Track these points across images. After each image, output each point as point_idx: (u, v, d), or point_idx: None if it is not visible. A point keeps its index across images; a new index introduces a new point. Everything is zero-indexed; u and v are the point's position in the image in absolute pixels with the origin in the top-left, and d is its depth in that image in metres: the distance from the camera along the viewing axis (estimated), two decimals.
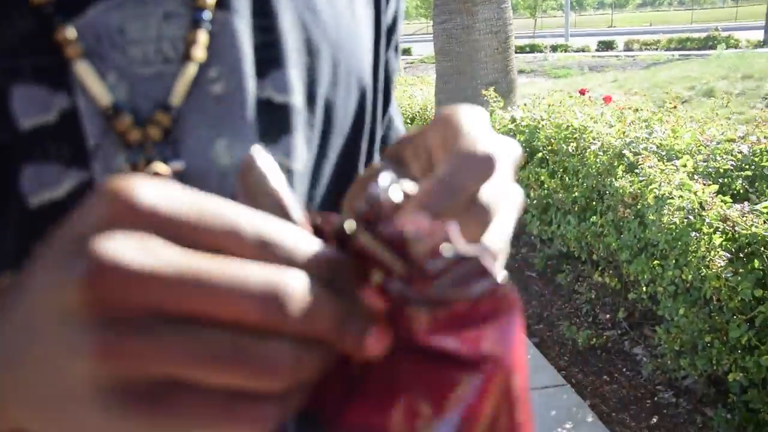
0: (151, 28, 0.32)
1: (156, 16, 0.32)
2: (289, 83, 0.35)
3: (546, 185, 3.12)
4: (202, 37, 0.32)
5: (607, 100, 3.33)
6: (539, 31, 34.09)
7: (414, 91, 7.11)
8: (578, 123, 2.98)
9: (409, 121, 6.97)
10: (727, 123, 2.96)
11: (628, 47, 22.74)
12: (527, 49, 23.33)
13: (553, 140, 3.12)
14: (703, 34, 21.39)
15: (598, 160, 2.63)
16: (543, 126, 3.30)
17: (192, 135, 0.33)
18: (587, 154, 2.71)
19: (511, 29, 5.22)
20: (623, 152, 2.53)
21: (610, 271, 2.66)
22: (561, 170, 3.04)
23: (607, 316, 2.74)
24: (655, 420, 2.16)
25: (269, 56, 0.35)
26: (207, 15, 0.32)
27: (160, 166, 0.32)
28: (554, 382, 2.34)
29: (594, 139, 2.77)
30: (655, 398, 2.26)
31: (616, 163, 2.54)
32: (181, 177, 0.32)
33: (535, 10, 27.32)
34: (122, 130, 0.31)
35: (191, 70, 0.32)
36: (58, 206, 0.31)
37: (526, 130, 3.42)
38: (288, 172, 0.36)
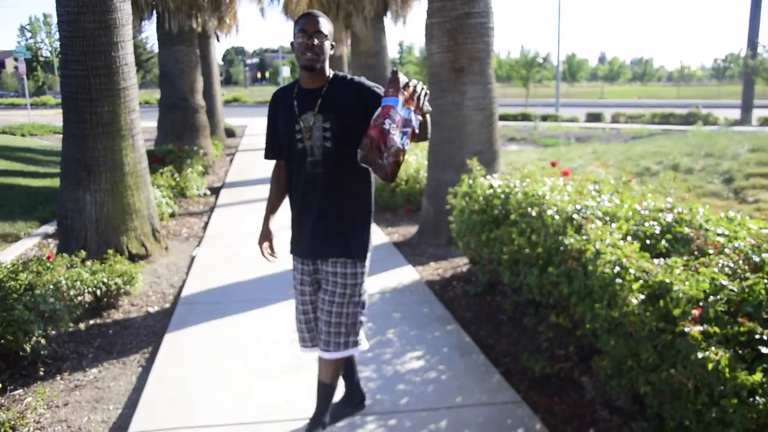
0: (309, 120, 2.33)
1: (309, 120, 2.34)
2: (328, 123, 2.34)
3: (516, 242, 3.72)
4: (312, 119, 2.34)
5: (565, 173, 3.98)
6: (532, 99, 35.63)
7: (409, 157, 7.81)
8: (541, 191, 3.62)
9: (403, 182, 7.65)
10: (661, 196, 3.60)
11: (615, 119, 23.94)
12: (519, 117, 24.42)
13: (522, 205, 3.75)
14: (686, 110, 22.61)
15: (554, 222, 3.25)
16: (515, 193, 3.94)
17: (312, 132, 2.33)
18: (545, 217, 3.33)
19: (495, 106, 5.96)
20: (572, 216, 3.16)
21: (563, 313, 3.23)
22: (528, 230, 3.65)
23: (562, 351, 3.29)
24: (592, 431, 2.69)
25: (324, 118, 2.33)
26: (313, 118, 2.34)
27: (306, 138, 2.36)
28: (513, 400, 2.87)
29: (552, 205, 3.40)
30: (594, 415, 2.79)
31: (567, 225, 3.16)
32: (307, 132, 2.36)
33: (527, 81, 28.79)
34: (305, 133, 2.35)
35: (312, 121, 2.33)
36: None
37: (502, 196, 4.06)
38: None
